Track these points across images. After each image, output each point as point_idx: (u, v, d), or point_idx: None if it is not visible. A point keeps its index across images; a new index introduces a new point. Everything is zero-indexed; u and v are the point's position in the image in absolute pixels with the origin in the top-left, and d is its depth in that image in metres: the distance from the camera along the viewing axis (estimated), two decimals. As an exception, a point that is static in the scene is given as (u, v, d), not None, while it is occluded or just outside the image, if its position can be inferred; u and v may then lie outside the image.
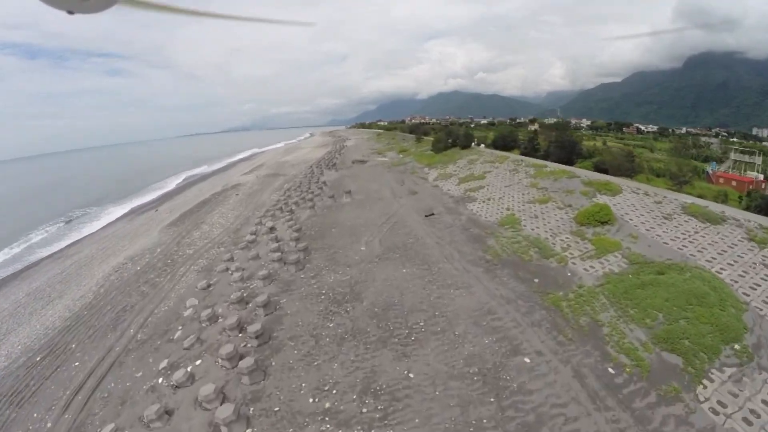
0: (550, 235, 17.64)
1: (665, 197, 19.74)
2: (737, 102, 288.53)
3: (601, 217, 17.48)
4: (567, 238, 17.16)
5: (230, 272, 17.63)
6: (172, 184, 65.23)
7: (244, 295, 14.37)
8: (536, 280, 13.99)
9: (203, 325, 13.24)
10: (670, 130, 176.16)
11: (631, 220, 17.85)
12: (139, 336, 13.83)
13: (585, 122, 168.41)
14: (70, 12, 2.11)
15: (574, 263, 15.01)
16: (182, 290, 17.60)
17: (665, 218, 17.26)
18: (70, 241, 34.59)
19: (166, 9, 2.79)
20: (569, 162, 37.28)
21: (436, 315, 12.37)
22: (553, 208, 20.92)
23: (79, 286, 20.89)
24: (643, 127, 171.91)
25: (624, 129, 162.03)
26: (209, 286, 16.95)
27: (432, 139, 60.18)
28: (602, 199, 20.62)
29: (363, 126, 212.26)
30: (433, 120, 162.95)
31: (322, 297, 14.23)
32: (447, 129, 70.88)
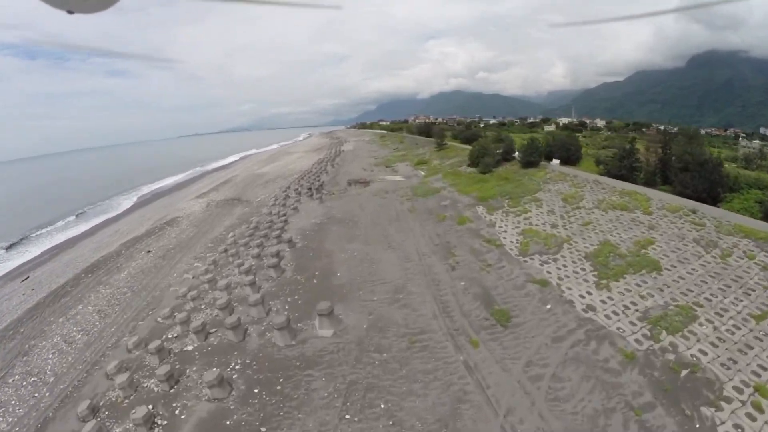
0: None
1: None
2: (742, 101, 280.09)
3: None
4: None
5: None
6: (118, 205, 53.40)
7: None
8: None
9: None
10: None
11: None
12: None
13: (600, 122, 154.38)
14: (70, 11, 2.01)
15: None
16: None
17: None
18: None
19: None
20: (711, 199, 21.94)
21: None
22: None
23: None
24: (662, 128, 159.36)
25: (644, 129, 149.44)
26: None
27: (460, 145, 45.82)
28: None
29: (363, 126, 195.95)
30: (439, 119, 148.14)
31: None
32: (472, 131, 56.19)
